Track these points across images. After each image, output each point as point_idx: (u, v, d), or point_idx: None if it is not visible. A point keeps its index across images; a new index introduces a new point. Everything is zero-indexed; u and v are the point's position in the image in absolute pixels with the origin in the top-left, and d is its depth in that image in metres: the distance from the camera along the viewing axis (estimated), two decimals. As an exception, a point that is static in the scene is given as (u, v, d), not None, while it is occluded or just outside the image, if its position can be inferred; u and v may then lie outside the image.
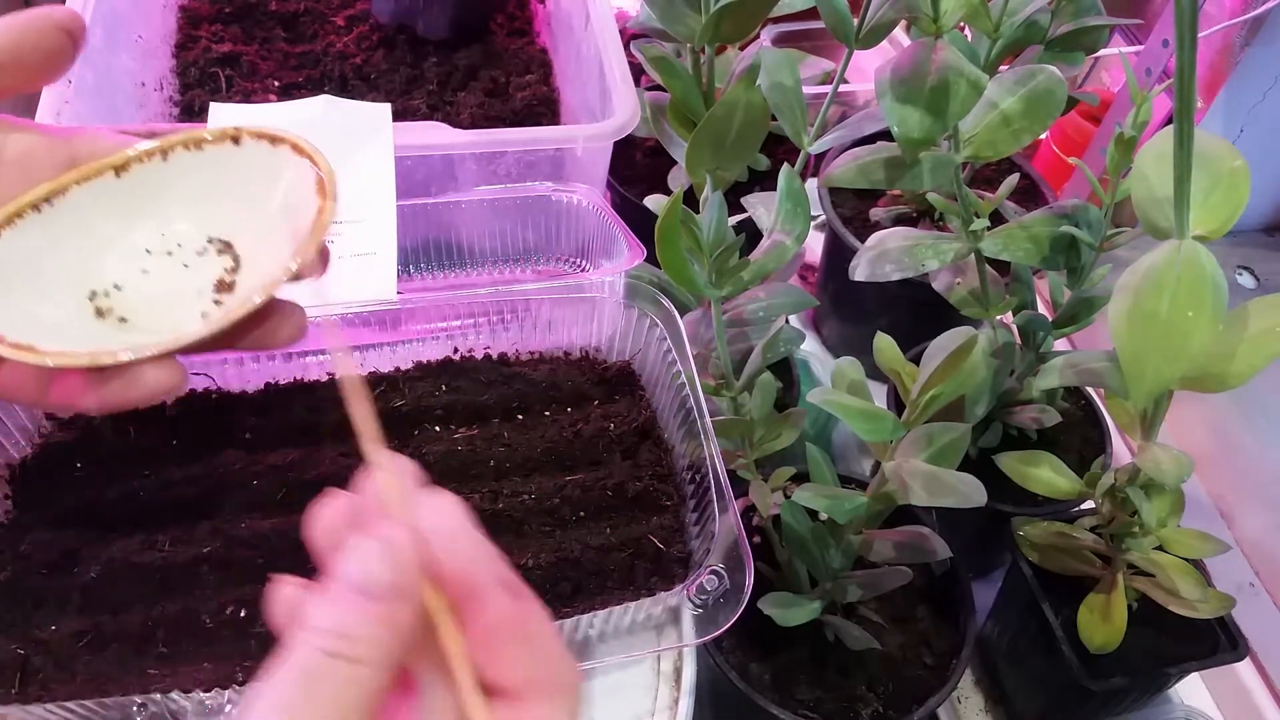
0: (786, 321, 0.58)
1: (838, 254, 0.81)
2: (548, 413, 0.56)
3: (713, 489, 0.49)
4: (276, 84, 0.78)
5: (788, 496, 0.54)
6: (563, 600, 0.48)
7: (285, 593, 0.27)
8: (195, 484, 0.50)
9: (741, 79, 0.51)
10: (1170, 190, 0.40)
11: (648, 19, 0.66)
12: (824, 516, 0.54)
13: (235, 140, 0.38)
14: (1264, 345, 0.43)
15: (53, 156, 0.35)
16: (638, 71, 0.69)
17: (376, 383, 0.56)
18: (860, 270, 0.59)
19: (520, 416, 0.56)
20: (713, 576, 0.47)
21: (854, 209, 0.82)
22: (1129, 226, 0.54)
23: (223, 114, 0.60)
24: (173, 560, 0.47)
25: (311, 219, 0.35)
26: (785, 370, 0.71)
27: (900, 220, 0.80)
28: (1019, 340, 0.63)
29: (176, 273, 0.38)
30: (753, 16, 0.61)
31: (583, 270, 0.69)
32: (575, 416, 0.56)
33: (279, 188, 0.37)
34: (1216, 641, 0.61)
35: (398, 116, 0.63)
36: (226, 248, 0.38)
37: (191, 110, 0.75)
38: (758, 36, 0.97)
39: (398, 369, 0.57)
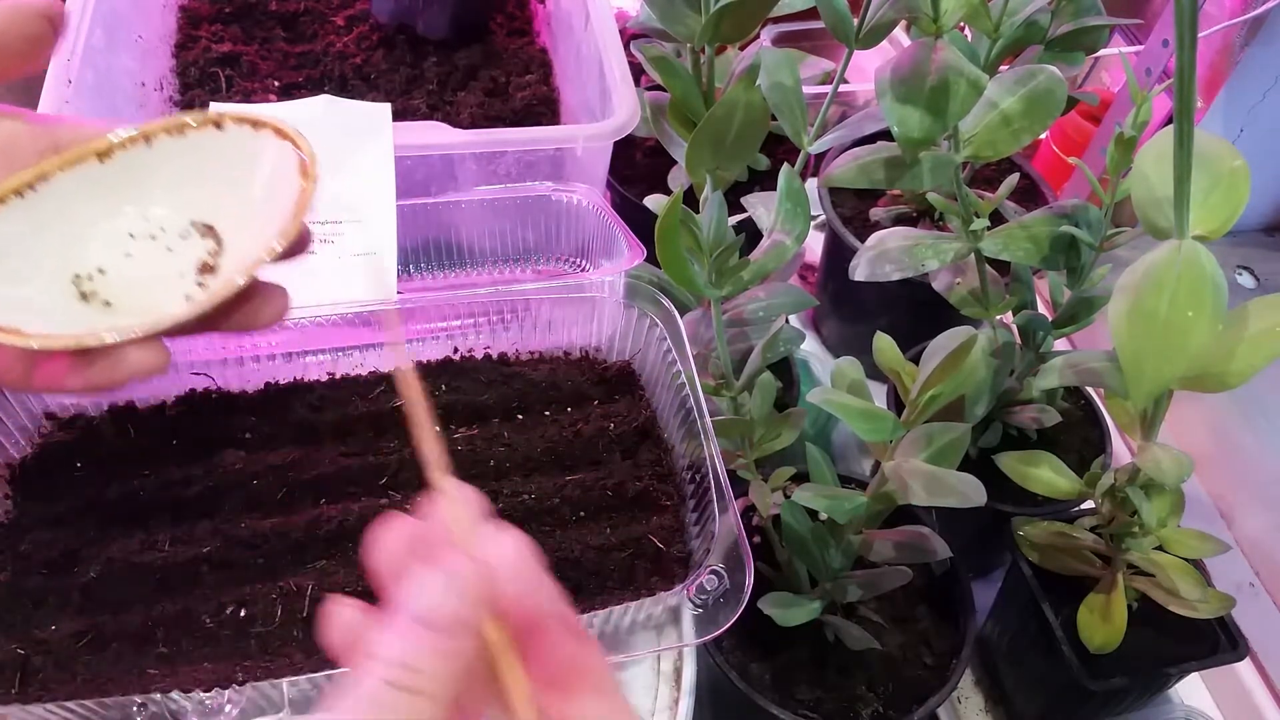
0: (786, 321, 0.58)
1: (838, 254, 0.81)
2: (548, 413, 0.56)
3: (713, 489, 0.49)
4: (276, 84, 0.78)
5: (788, 496, 0.54)
6: (563, 600, 0.48)
7: (344, 615, 0.26)
8: (195, 484, 0.50)
9: (741, 79, 0.51)
10: (1170, 190, 0.40)
11: (648, 19, 0.66)
12: (824, 516, 0.54)
13: (218, 125, 0.38)
14: (1264, 345, 0.43)
15: (35, 143, 0.36)
16: (638, 71, 0.69)
17: (376, 382, 0.56)
18: (860, 270, 0.59)
19: (520, 416, 0.56)
20: (713, 576, 0.47)
21: (854, 209, 0.82)
22: (1129, 226, 0.54)
23: (223, 114, 0.60)
24: (173, 560, 0.47)
25: (294, 201, 0.36)
26: (785, 370, 0.71)
27: (900, 220, 0.80)
28: (1019, 340, 0.63)
29: (160, 256, 0.38)
30: (753, 16, 0.61)
31: (583, 270, 0.69)
32: (575, 416, 0.56)
33: (261, 171, 0.38)
34: (1216, 641, 0.61)
35: (398, 116, 0.63)
36: (209, 231, 0.39)
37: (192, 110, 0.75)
38: (758, 36, 0.97)
39: (398, 369, 0.57)
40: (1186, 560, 0.57)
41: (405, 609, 0.25)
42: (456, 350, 0.58)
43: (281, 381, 0.56)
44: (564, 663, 0.26)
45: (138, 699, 0.42)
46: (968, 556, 0.60)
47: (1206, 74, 0.82)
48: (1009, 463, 0.61)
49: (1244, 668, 0.71)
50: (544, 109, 0.80)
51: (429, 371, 0.57)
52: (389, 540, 0.27)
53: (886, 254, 0.58)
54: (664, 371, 0.56)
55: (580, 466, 0.53)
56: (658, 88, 0.69)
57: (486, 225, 0.67)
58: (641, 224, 0.60)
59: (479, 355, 0.59)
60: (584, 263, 0.69)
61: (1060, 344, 0.65)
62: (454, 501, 0.27)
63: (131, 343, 0.34)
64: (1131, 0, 1.09)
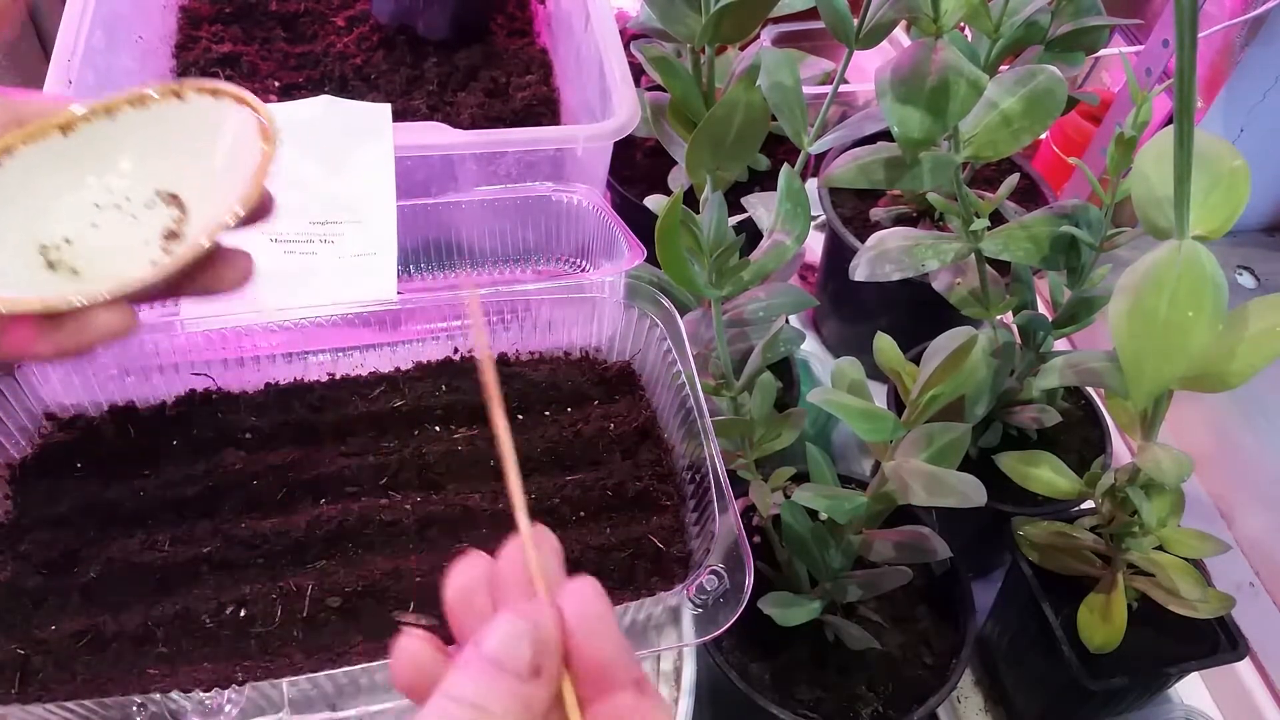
0: (786, 321, 0.58)
1: (838, 254, 0.81)
2: (548, 413, 0.56)
3: (713, 489, 0.49)
4: (276, 84, 0.78)
5: (788, 496, 0.54)
6: (563, 600, 0.48)
7: (413, 648, 0.27)
8: (195, 484, 0.50)
9: (741, 79, 0.51)
10: (1170, 190, 0.40)
11: (648, 19, 0.66)
12: (824, 516, 0.54)
13: (179, 96, 0.39)
14: (1264, 345, 0.43)
15: None
16: (638, 71, 0.69)
17: (376, 383, 0.56)
18: (860, 270, 0.59)
19: (520, 416, 0.56)
20: (713, 576, 0.47)
21: (854, 209, 0.82)
22: (1129, 226, 0.54)
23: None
24: (173, 560, 0.47)
25: (255, 165, 0.37)
26: (785, 370, 0.71)
27: (900, 220, 0.80)
28: (1019, 340, 0.63)
29: (126, 225, 0.39)
30: (753, 16, 0.61)
31: (583, 270, 0.69)
32: (575, 416, 0.56)
33: (223, 138, 0.39)
34: (1216, 641, 0.61)
35: (398, 116, 0.63)
36: (174, 199, 0.40)
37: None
38: (758, 36, 0.97)
39: (398, 369, 0.57)
40: (1186, 560, 0.57)
41: (482, 650, 0.25)
42: (456, 350, 0.58)
43: (281, 381, 0.56)
44: (626, 714, 0.26)
45: (138, 699, 0.42)
46: (968, 556, 0.60)
47: (1206, 74, 0.82)
48: (1009, 463, 0.61)
49: (1244, 668, 0.71)
50: (544, 109, 0.80)
51: (429, 371, 0.57)
52: (465, 577, 0.28)
53: (886, 254, 0.58)
54: (664, 371, 0.56)
55: (580, 466, 0.53)
56: (658, 88, 0.69)
57: (486, 225, 0.67)
58: (641, 224, 0.60)
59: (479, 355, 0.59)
60: (584, 263, 0.69)
61: (1060, 344, 0.65)
62: (536, 548, 0.27)
63: (99, 306, 0.35)
64: (1131, 0, 1.09)
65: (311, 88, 0.78)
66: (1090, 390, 0.74)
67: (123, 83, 0.71)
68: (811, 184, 0.64)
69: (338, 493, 0.51)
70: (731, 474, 0.51)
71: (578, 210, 0.67)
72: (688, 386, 0.53)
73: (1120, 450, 0.74)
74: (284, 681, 0.44)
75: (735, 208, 0.57)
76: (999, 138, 0.51)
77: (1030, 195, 0.82)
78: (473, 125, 0.76)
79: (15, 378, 0.51)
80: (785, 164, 0.55)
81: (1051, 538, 0.61)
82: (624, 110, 0.66)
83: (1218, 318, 0.39)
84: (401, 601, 0.47)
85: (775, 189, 0.54)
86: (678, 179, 0.78)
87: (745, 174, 0.82)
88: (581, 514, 0.51)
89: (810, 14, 0.61)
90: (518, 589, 0.27)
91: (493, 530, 0.50)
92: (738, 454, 0.57)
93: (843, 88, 0.59)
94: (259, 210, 0.38)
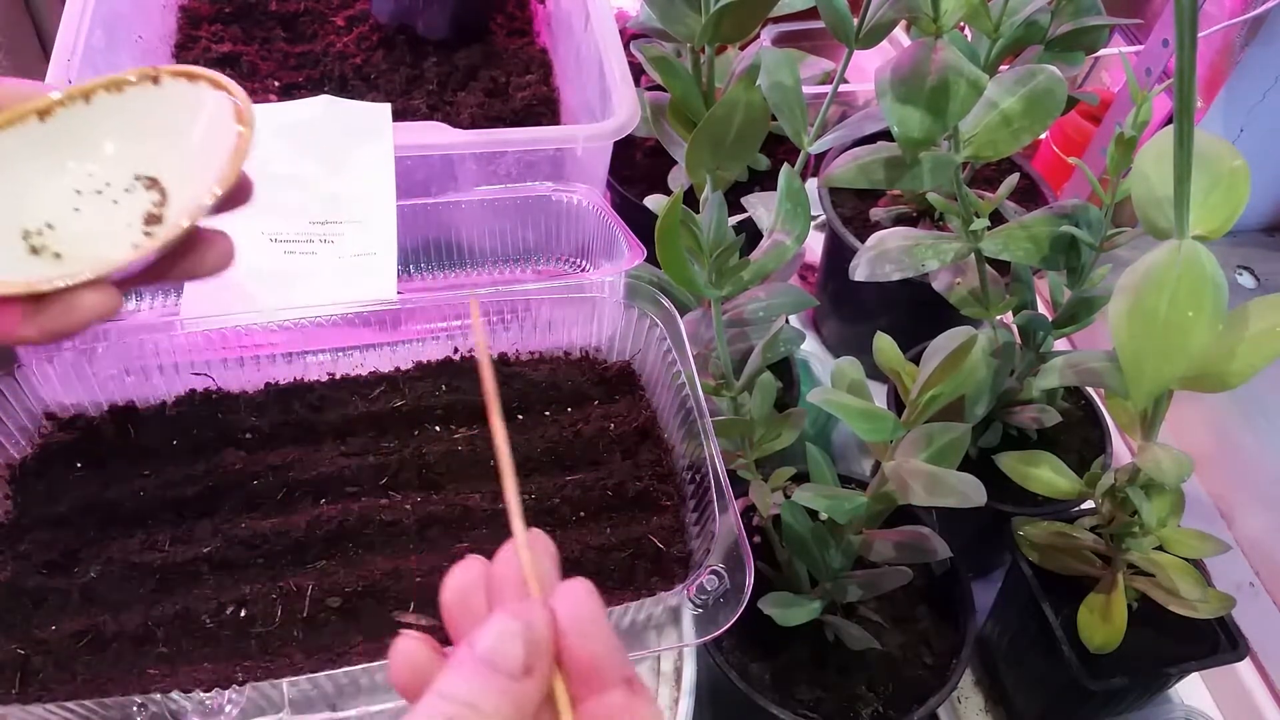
0: (786, 321, 0.58)
1: (838, 254, 0.81)
2: (548, 413, 0.56)
3: (713, 489, 0.49)
4: (276, 84, 0.78)
5: (788, 496, 0.54)
6: (563, 600, 0.48)
7: (409, 647, 0.27)
8: (195, 484, 0.50)
9: (741, 79, 0.51)
10: (1170, 190, 0.40)
11: (648, 19, 0.66)
12: (824, 516, 0.54)
13: (155, 80, 0.40)
14: (1264, 345, 0.43)
15: None
16: (638, 71, 0.69)
17: (376, 382, 0.56)
18: (860, 270, 0.59)
19: (520, 416, 0.56)
20: (713, 576, 0.47)
21: (854, 209, 0.82)
22: (1129, 226, 0.54)
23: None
24: (173, 560, 0.47)
25: (232, 147, 0.37)
26: (785, 370, 0.71)
27: (900, 220, 0.80)
28: (1019, 340, 0.63)
29: (107, 209, 0.40)
30: (753, 16, 0.61)
31: (583, 270, 0.69)
32: (575, 416, 0.56)
33: (200, 122, 0.39)
34: (1216, 641, 0.61)
35: (398, 116, 0.63)
36: (153, 184, 0.40)
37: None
38: (758, 36, 0.97)
39: (398, 369, 0.57)
40: (1186, 560, 0.57)
41: (476, 650, 0.25)
42: (456, 350, 0.58)
43: (281, 381, 0.56)
44: (617, 713, 0.27)
45: (138, 699, 0.42)
46: (968, 556, 0.60)
47: (1206, 74, 0.82)
48: (1009, 463, 0.61)
49: (1244, 668, 0.71)
50: (544, 109, 0.80)
51: (429, 371, 0.57)
52: (462, 580, 0.28)
53: (886, 254, 0.58)
54: (664, 371, 0.56)
55: (580, 466, 0.53)
56: (658, 88, 0.69)
57: (486, 225, 0.67)
58: (641, 224, 0.60)
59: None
60: (584, 263, 0.69)
61: (1060, 344, 0.65)
62: (531, 551, 0.28)
63: (83, 287, 0.35)
64: (1131, 0, 1.09)
65: (311, 87, 0.78)
66: (1090, 390, 0.74)
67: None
68: (811, 184, 0.64)
69: (338, 493, 0.51)
70: (731, 474, 0.51)
71: (578, 210, 0.67)
72: (688, 386, 0.53)
73: (1120, 450, 0.74)
74: (284, 681, 0.44)
75: (735, 208, 0.57)
76: (999, 138, 0.51)
77: (1030, 195, 0.82)
78: (473, 125, 0.76)
79: (15, 378, 0.51)
80: (785, 164, 0.55)
81: (1051, 538, 0.61)
82: (624, 110, 0.65)
83: (1218, 318, 0.39)
84: (401, 601, 0.47)
85: (775, 189, 0.54)
86: (678, 179, 0.78)
87: (745, 174, 0.82)
88: (581, 514, 0.51)
89: (810, 14, 0.61)
90: (513, 590, 0.27)
91: (493, 530, 0.50)
92: (738, 454, 0.57)
93: (843, 88, 0.59)
94: (238, 194, 0.39)
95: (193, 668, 0.44)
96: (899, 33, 0.94)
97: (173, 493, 0.50)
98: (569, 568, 0.48)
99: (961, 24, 0.56)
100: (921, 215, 0.80)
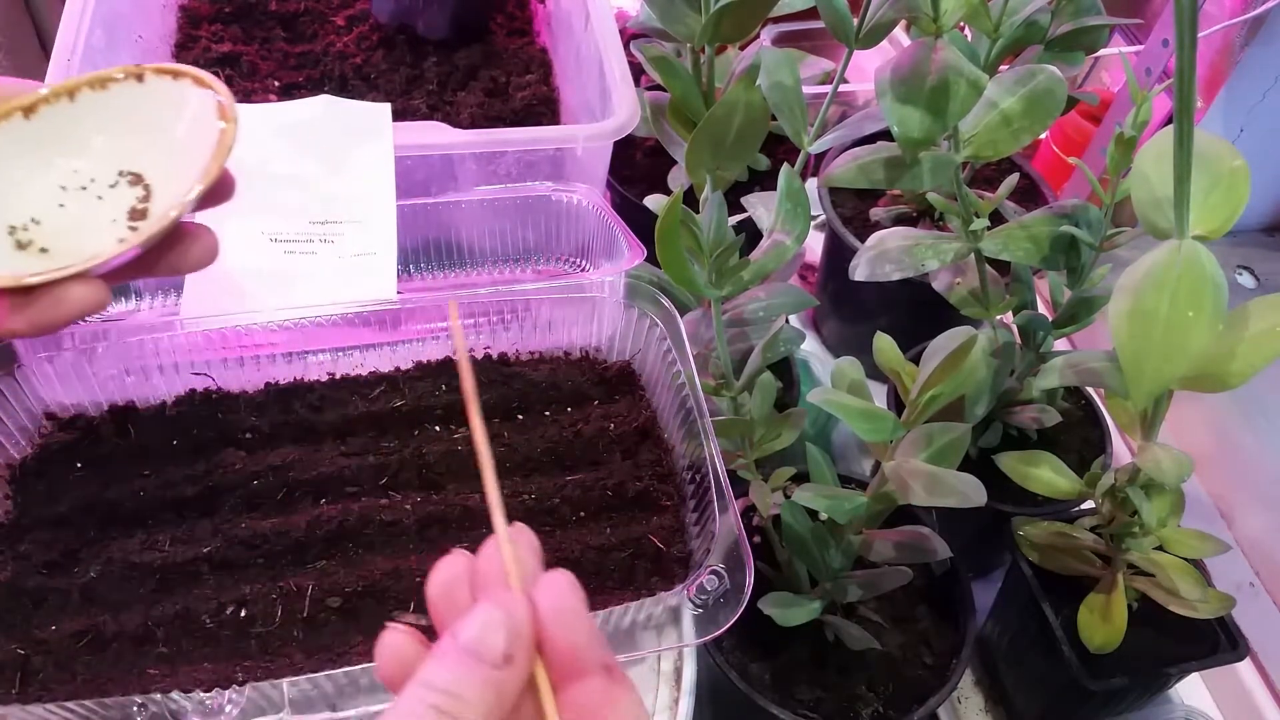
0: (786, 321, 0.58)
1: (838, 254, 0.81)
2: (548, 413, 0.56)
3: (713, 489, 0.49)
4: (276, 84, 0.78)
5: (788, 496, 0.54)
6: (563, 600, 0.48)
7: (396, 641, 0.28)
8: (195, 484, 0.50)
9: (741, 79, 0.51)
10: (1170, 190, 0.40)
11: (648, 19, 0.66)
12: (824, 516, 0.54)
13: (139, 78, 0.40)
14: (1264, 345, 0.43)
15: None
16: (638, 71, 0.69)
17: (376, 382, 0.56)
18: (860, 270, 0.59)
19: (520, 416, 0.56)
20: (713, 576, 0.47)
21: (854, 209, 0.82)
22: (1129, 226, 0.54)
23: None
24: (173, 560, 0.47)
25: (215, 142, 0.38)
26: (785, 370, 0.71)
27: (900, 220, 0.80)
28: (1019, 340, 0.63)
29: (92, 205, 0.40)
30: (753, 16, 0.61)
31: (583, 270, 0.69)
32: (575, 416, 0.56)
33: (184, 118, 0.40)
34: (1216, 641, 0.61)
35: (398, 116, 0.63)
36: (138, 179, 0.41)
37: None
38: (758, 36, 0.97)
39: (398, 369, 0.57)
40: (1186, 560, 0.57)
41: (458, 639, 0.26)
42: (456, 350, 0.58)
43: (281, 381, 0.56)
44: (597, 699, 0.27)
45: (138, 699, 0.42)
46: (968, 556, 0.60)
47: (1206, 74, 0.82)
48: (1009, 463, 0.61)
49: (1244, 668, 0.71)
50: (544, 109, 0.80)
51: (429, 371, 0.57)
52: (446, 570, 0.29)
53: (886, 254, 0.58)
54: (664, 371, 0.56)
55: (580, 467, 0.53)
56: (658, 88, 0.69)
57: (486, 225, 0.67)
58: (641, 224, 0.59)
59: (479, 355, 0.59)
60: (584, 263, 0.69)
61: (1060, 344, 0.65)
62: (513, 545, 0.29)
63: (70, 280, 0.36)
64: (1131, 0, 1.09)
65: (311, 87, 0.78)
66: (1090, 390, 0.74)
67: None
68: (811, 184, 0.64)
69: (338, 493, 0.51)
70: (731, 474, 0.51)
71: (578, 210, 0.67)
72: (688, 386, 0.53)
73: (1120, 450, 0.74)
74: (284, 681, 0.44)
75: (735, 208, 0.57)
76: (999, 137, 0.51)
77: (1030, 195, 0.82)
78: (472, 125, 0.76)
79: (15, 378, 0.51)
80: (785, 164, 0.55)
81: (1051, 538, 0.61)
82: (624, 110, 0.65)
83: (1218, 318, 0.39)
84: (401, 601, 0.47)
85: (775, 189, 0.54)
86: (678, 179, 0.78)
87: (745, 174, 0.82)
88: (582, 514, 0.51)
89: (810, 14, 0.61)
90: (496, 583, 0.28)
91: (492, 530, 0.50)
92: (738, 454, 0.57)
93: (843, 88, 0.59)
94: (221, 190, 0.39)
95: (193, 668, 0.44)
96: (899, 33, 0.94)
97: (173, 493, 0.50)
98: (569, 568, 0.48)
99: (961, 24, 0.56)
100: (921, 215, 0.80)
